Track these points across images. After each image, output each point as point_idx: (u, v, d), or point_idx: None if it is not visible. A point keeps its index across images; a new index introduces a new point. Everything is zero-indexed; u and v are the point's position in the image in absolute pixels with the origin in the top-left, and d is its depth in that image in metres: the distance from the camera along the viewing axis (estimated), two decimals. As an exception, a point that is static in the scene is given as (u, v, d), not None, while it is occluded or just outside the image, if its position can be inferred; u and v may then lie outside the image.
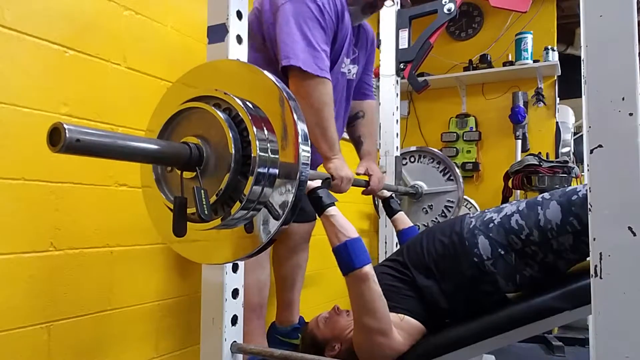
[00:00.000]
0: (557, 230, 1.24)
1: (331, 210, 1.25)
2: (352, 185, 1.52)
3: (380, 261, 2.02)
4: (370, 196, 2.29)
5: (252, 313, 1.50)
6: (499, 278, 1.28)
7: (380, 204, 2.06)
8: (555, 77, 3.50)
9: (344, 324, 1.37)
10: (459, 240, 1.34)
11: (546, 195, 1.33)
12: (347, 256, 1.19)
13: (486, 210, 1.42)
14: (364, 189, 1.75)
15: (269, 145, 0.86)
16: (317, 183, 1.30)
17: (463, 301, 1.34)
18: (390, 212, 1.94)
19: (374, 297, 1.19)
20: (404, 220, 1.91)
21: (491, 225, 1.33)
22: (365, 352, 1.25)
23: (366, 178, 1.75)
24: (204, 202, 0.80)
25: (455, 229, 1.38)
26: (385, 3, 1.64)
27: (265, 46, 1.49)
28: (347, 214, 1.32)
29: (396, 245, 2.50)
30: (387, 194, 1.95)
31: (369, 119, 1.85)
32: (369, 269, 1.19)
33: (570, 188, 1.31)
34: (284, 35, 1.37)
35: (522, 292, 1.33)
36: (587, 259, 1.32)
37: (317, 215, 1.29)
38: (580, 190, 1.27)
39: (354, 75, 1.71)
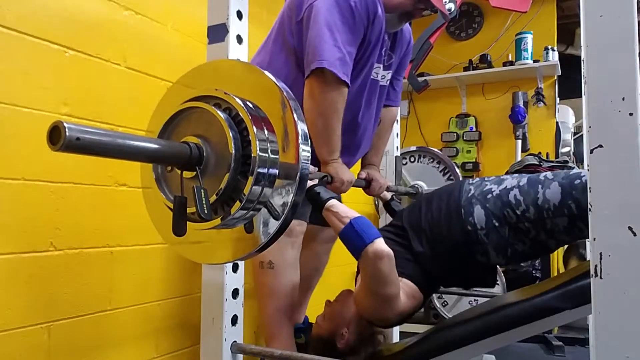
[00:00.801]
0: (553, 211, 1.25)
1: (332, 202, 1.23)
2: (352, 186, 1.52)
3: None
4: (371, 196, 2.29)
5: (283, 315, 1.48)
6: (489, 249, 1.30)
7: (381, 204, 2.06)
8: (555, 77, 3.50)
9: (340, 310, 1.38)
10: (455, 208, 1.35)
11: (549, 174, 1.33)
12: (355, 235, 1.14)
13: (486, 179, 1.42)
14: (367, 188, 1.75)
15: (269, 145, 0.86)
16: (314, 182, 1.30)
17: (455, 269, 1.36)
18: (393, 214, 1.93)
19: (391, 268, 1.16)
20: None
21: (489, 196, 1.33)
22: (375, 315, 1.27)
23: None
24: (204, 202, 0.80)
25: (453, 195, 1.39)
26: (423, 12, 1.58)
27: (294, 47, 1.45)
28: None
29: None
30: (388, 196, 1.95)
31: (383, 128, 1.80)
32: (381, 243, 1.14)
33: (574, 172, 1.31)
34: (312, 35, 1.35)
35: (512, 266, 1.35)
36: (578, 241, 1.34)
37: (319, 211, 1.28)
38: (584, 175, 1.27)
39: (387, 82, 1.66)
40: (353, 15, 1.36)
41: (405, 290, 1.28)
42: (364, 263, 1.15)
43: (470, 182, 1.43)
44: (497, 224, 1.29)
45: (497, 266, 1.40)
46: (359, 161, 1.80)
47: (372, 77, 1.56)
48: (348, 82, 1.36)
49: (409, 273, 1.32)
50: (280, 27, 1.50)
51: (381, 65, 1.59)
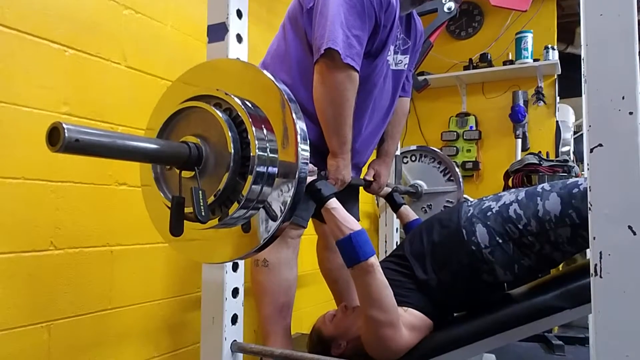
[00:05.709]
0: (555, 222, 1.24)
1: (332, 203, 1.23)
2: (352, 184, 1.52)
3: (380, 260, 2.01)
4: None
5: (278, 314, 1.49)
6: (496, 267, 1.28)
7: (382, 201, 2.06)
8: (556, 76, 3.50)
9: (350, 322, 1.36)
10: (456, 229, 1.33)
11: (546, 186, 1.32)
12: (351, 249, 1.18)
13: (484, 198, 1.41)
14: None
15: (268, 144, 0.86)
16: (314, 177, 1.30)
17: (463, 292, 1.33)
18: (395, 206, 1.93)
19: (380, 288, 1.18)
20: (408, 213, 1.91)
21: (489, 213, 1.32)
22: (374, 347, 1.24)
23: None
24: (202, 204, 0.80)
25: (452, 218, 1.37)
26: None
27: (306, 34, 1.44)
28: (347, 213, 1.31)
29: (396, 244, 2.50)
30: (388, 190, 1.95)
31: (397, 118, 1.80)
32: (374, 260, 1.18)
33: (571, 181, 1.30)
34: (320, 21, 1.34)
35: (520, 283, 1.33)
36: (584, 251, 1.33)
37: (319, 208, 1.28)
38: (581, 184, 1.26)
39: (405, 66, 1.66)
40: (362, 1, 1.35)
41: (410, 321, 1.25)
42: (354, 275, 1.20)
43: (469, 203, 1.42)
44: (500, 241, 1.27)
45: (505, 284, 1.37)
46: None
47: (387, 59, 1.54)
48: (353, 64, 1.34)
49: (413, 302, 1.30)
50: (293, 15, 1.49)
51: (396, 48, 1.57)
